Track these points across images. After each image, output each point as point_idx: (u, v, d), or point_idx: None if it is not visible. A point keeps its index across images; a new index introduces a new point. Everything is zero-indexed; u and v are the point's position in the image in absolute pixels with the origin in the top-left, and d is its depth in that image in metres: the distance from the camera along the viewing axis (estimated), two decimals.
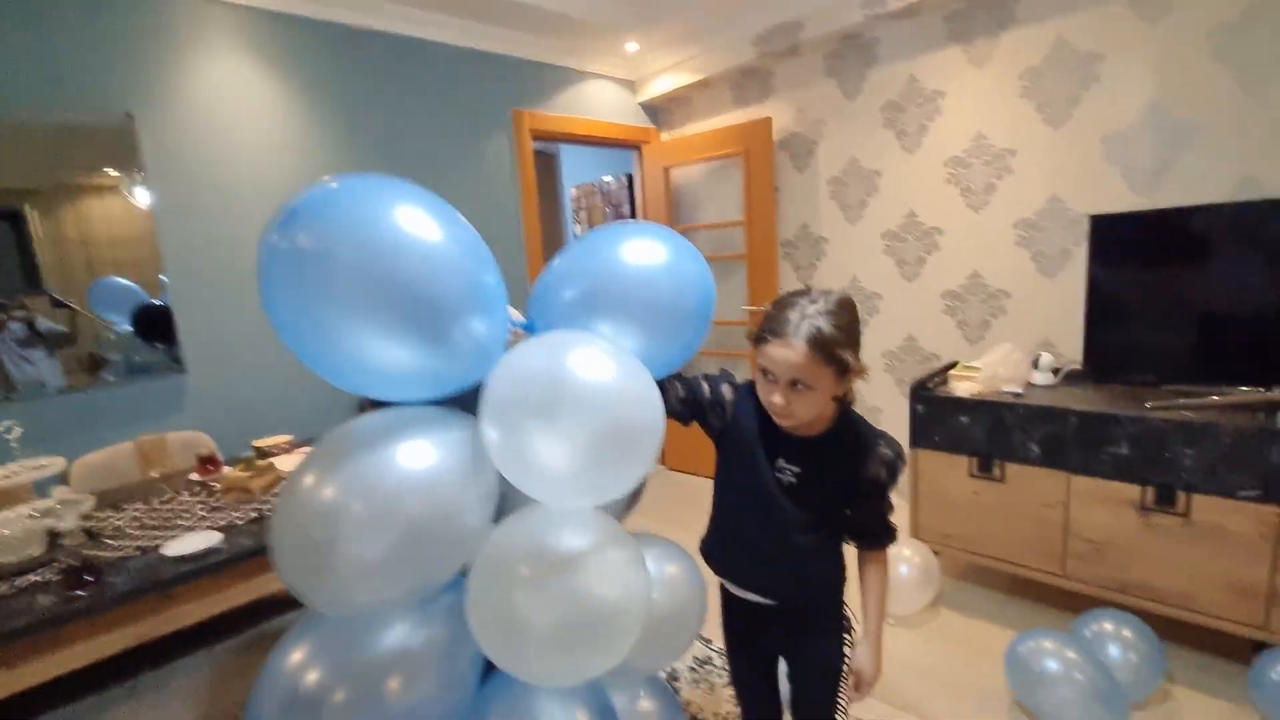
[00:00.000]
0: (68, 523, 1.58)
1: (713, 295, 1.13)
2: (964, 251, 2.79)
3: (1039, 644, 1.78)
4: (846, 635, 1.21)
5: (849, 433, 1.11)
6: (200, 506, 1.80)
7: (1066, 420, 2.06)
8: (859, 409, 1.16)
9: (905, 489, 2.52)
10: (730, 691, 1.41)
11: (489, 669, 1.06)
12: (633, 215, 4.61)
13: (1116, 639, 1.82)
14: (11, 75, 1.98)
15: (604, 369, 0.89)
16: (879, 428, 1.14)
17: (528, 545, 0.92)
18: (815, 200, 3.26)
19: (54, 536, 1.56)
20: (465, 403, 0.95)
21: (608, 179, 5.01)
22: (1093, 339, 2.19)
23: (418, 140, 2.85)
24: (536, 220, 3.34)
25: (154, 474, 1.85)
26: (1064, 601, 2.24)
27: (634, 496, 1.27)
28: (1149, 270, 2.09)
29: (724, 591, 1.28)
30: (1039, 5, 2.44)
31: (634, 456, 0.89)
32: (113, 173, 2.18)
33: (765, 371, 1.03)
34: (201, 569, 1.47)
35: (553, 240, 5.22)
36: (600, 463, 0.87)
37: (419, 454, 0.87)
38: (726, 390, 1.17)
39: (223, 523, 1.67)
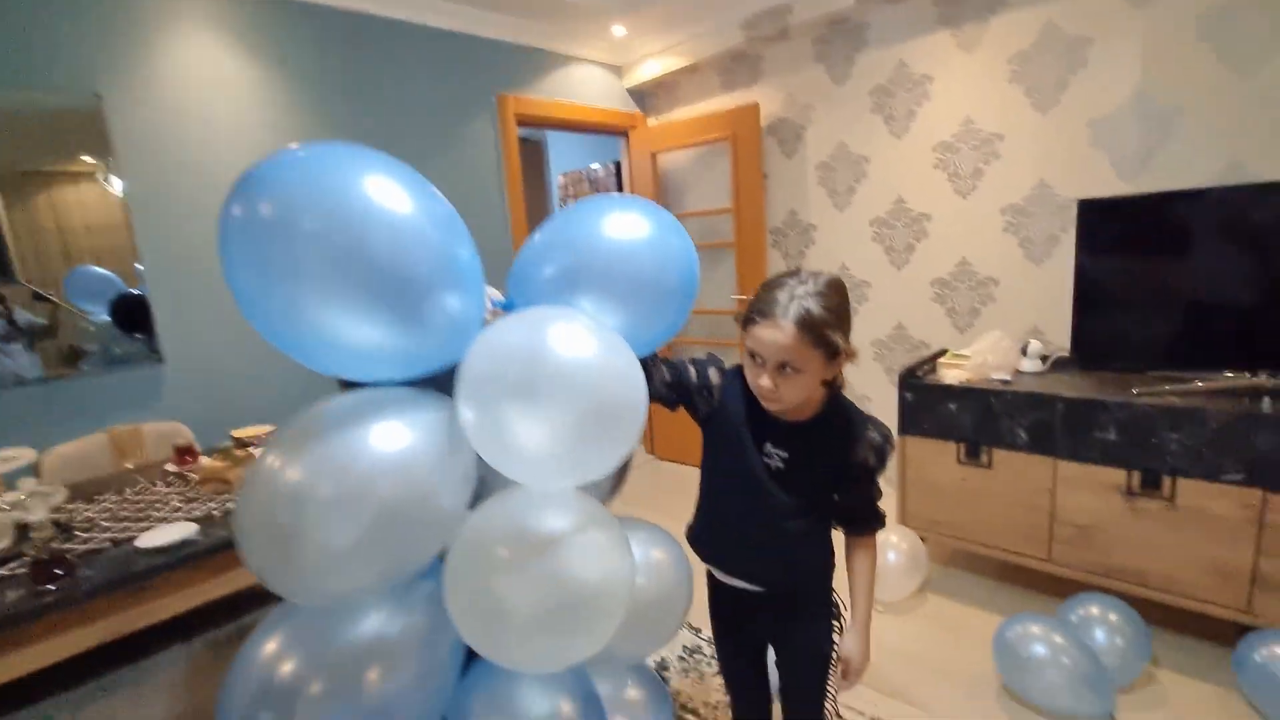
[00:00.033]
0: (37, 515, 1.53)
1: (696, 271, 1.11)
2: (952, 238, 2.78)
3: (1026, 629, 1.78)
4: (835, 622, 1.20)
5: (838, 417, 1.09)
6: (176, 498, 1.75)
7: (1054, 407, 2.06)
8: (848, 397, 1.14)
9: (893, 476, 2.52)
10: (720, 680, 1.39)
11: (471, 657, 1.04)
12: None
13: (1103, 623, 1.83)
14: None
15: (585, 345, 0.87)
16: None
17: (507, 528, 0.89)
18: (804, 186, 3.24)
19: (22, 529, 1.51)
20: (442, 384, 0.92)
21: (595, 166, 4.96)
22: (1080, 326, 2.19)
23: (399, 124, 2.79)
24: (523, 208, 3.29)
25: (128, 465, 1.80)
26: (1051, 586, 2.25)
27: (618, 479, 1.25)
28: (1136, 256, 2.09)
29: (711, 579, 1.26)
30: None
31: (616, 435, 0.87)
32: (88, 159, 2.12)
33: (753, 354, 1.01)
34: (176, 561, 1.43)
35: None
36: (581, 442, 0.84)
37: (392, 435, 0.84)
38: (714, 374, 1.15)
39: (198, 514, 1.62)
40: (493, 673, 1.03)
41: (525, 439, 0.83)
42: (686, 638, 2.16)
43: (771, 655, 1.28)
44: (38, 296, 2.06)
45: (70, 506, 1.70)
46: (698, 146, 3.58)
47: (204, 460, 1.91)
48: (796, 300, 0.95)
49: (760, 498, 1.09)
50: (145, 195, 2.22)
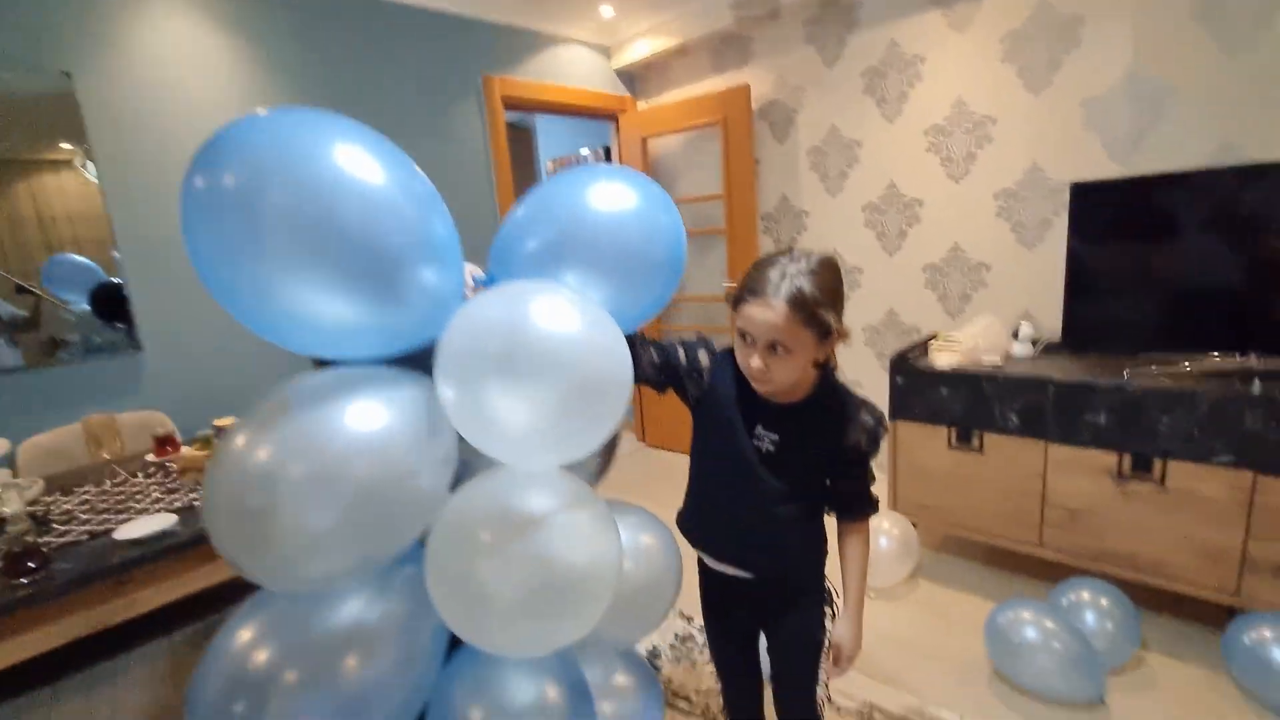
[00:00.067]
0: (11, 507, 1.49)
1: (683, 241, 1.08)
2: (944, 223, 2.76)
3: (1018, 614, 1.78)
4: (827, 608, 1.18)
5: (830, 399, 1.07)
6: (156, 488, 1.72)
7: (1045, 390, 2.05)
8: (840, 379, 1.12)
9: (884, 461, 2.51)
10: (711, 668, 1.38)
11: (454, 643, 1.02)
12: None
13: (1093, 607, 1.83)
14: None
15: (568, 319, 0.84)
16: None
17: (490, 509, 0.87)
18: (795, 171, 3.21)
19: None
20: (422, 363, 0.89)
21: (585, 152, 4.89)
22: (1072, 309, 2.18)
23: (381, 107, 2.73)
24: (512, 194, 3.24)
25: (104, 455, 1.76)
26: (1041, 571, 2.25)
27: (605, 461, 1.22)
28: (1129, 238, 2.07)
29: (702, 565, 1.24)
30: None
31: (601, 411, 0.84)
32: (67, 146, 2.07)
33: (744, 334, 0.98)
34: (155, 553, 1.41)
35: None
36: (565, 419, 0.82)
37: (367, 413, 0.80)
38: (703, 356, 1.12)
39: (179, 505, 1.59)
40: (477, 658, 1.01)
41: (507, 416, 0.80)
42: (678, 625, 2.15)
43: (763, 641, 1.27)
44: (20, 289, 2.02)
45: (48, 499, 1.67)
46: (688, 131, 3.53)
47: (185, 450, 1.87)
48: (788, 278, 0.93)
49: (751, 482, 1.07)
50: (120, 179, 2.16)
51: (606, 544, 0.91)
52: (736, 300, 0.98)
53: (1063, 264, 2.18)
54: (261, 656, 0.81)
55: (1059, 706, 1.70)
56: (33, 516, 1.53)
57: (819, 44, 2.98)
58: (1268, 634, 1.65)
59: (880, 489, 1.15)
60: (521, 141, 5.17)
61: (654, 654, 2.03)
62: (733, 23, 3.09)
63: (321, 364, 0.89)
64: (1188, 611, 2.00)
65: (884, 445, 1.11)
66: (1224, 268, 1.93)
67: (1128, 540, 1.97)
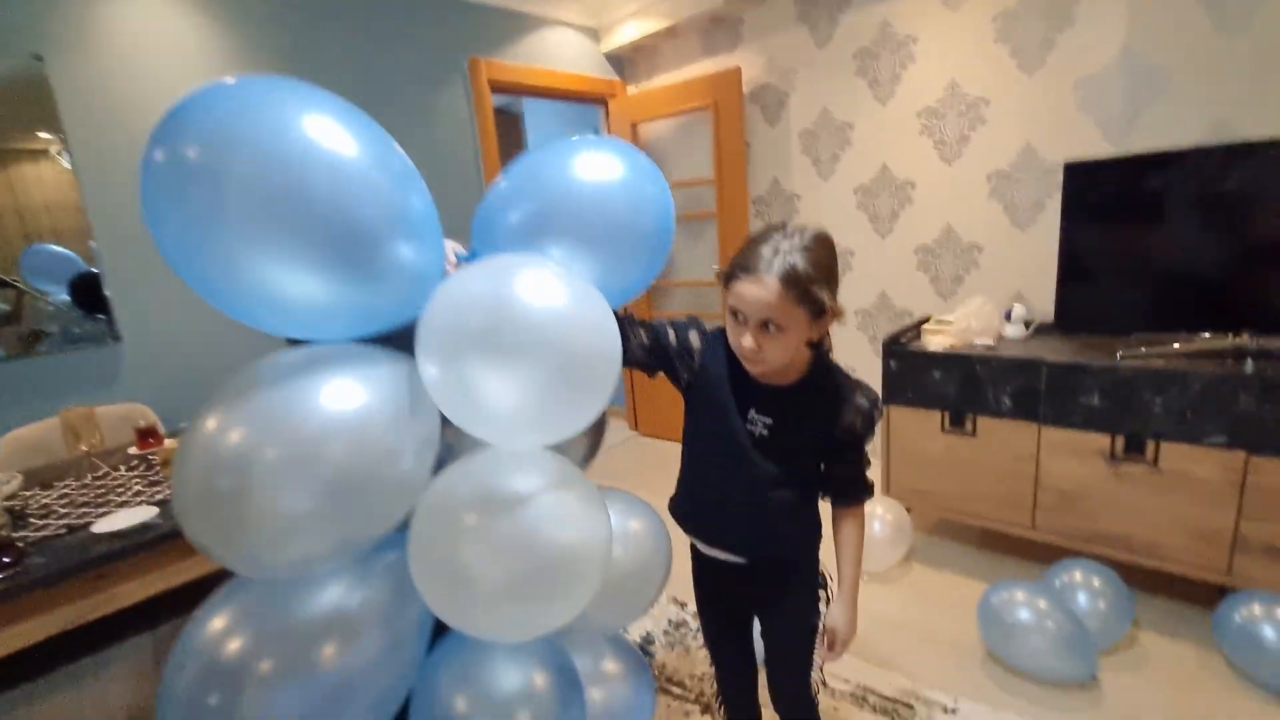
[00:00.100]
0: None
1: (671, 213, 1.05)
2: (937, 205, 2.74)
3: (1011, 594, 1.78)
4: (821, 592, 1.17)
5: (825, 381, 1.05)
6: (138, 481, 1.68)
7: (1038, 372, 2.04)
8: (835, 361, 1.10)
9: (877, 446, 2.50)
10: (705, 653, 1.37)
11: (439, 629, 1.00)
12: None
13: (1086, 588, 1.84)
14: None
15: (553, 293, 0.81)
16: None
17: (474, 490, 0.84)
18: (787, 154, 3.17)
19: None
20: (403, 344, 0.86)
21: (574, 139, 4.83)
22: (1065, 290, 2.16)
23: (365, 90, 2.67)
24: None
25: (83, 448, 1.72)
26: (1034, 553, 2.26)
27: (593, 444, 1.20)
28: (1122, 217, 2.06)
29: (694, 551, 1.22)
30: None
31: (589, 388, 0.82)
32: (44, 135, 2.01)
33: (735, 312, 0.95)
34: (135, 546, 1.37)
35: None
36: (552, 397, 0.79)
37: (344, 392, 0.77)
38: (694, 337, 1.09)
39: (160, 497, 1.56)
40: (462, 645, 0.99)
41: (492, 394, 0.78)
42: (672, 611, 2.15)
43: (757, 626, 1.25)
44: (2, 283, 1.98)
45: (27, 493, 1.63)
46: (679, 115, 3.49)
47: (168, 442, 1.84)
48: (781, 255, 0.90)
49: (744, 466, 1.05)
50: (94, 166, 2.10)
51: (595, 524, 0.88)
52: (728, 277, 0.95)
53: (1055, 245, 2.17)
54: (236, 645, 0.78)
55: (1051, 687, 1.70)
56: (9, 511, 1.50)
57: (810, 24, 2.94)
58: (1258, 611, 1.66)
59: (874, 473, 1.14)
60: (510, 128, 5.10)
61: (647, 640, 2.02)
62: (723, 3, 3.04)
63: (295, 344, 0.86)
64: (1179, 591, 2.01)
65: (878, 429, 1.10)
66: (1217, 247, 1.91)
67: (1120, 521, 1.97)
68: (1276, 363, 1.77)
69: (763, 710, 1.33)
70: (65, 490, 1.65)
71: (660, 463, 3.48)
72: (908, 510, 2.37)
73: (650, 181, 1.01)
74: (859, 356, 3.12)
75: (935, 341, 2.29)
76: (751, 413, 1.04)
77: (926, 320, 2.49)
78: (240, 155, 0.67)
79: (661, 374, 1.13)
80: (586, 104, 3.82)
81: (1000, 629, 1.76)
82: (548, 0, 3.23)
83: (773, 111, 3.16)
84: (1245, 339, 1.87)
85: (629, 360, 1.05)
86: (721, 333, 1.07)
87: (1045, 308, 2.40)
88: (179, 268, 0.72)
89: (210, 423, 0.73)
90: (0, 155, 1.96)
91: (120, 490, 1.64)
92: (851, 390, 1.05)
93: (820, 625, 1.14)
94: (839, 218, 3.05)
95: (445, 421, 0.91)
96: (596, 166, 0.98)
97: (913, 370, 2.32)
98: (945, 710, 1.65)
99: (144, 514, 1.45)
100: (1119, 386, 1.90)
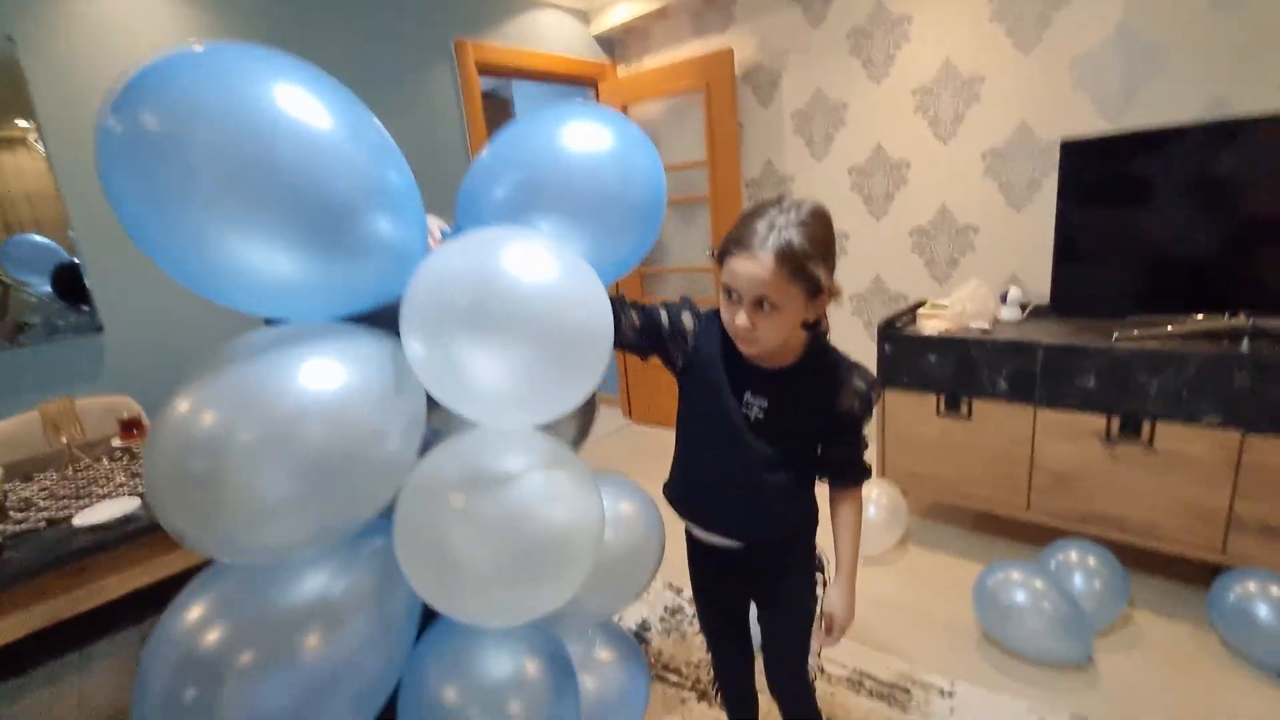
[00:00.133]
0: None
1: (663, 184, 1.01)
2: (932, 185, 2.71)
3: (1007, 576, 1.77)
4: (818, 576, 1.15)
5: (821, 362, 1.03)
6: (122, 473, 1.65)
7: (1034, 354, 2.03)
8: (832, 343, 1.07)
9: (873, 430, 2.49)
10: (702, 640, 1.35)
11: (427, 619, 0.97)
12: None
13: (1081, 568, 1.83)
14: None
15: (542, 266, 0.78)
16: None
17: (462, 470, 0.82)
18: (780, 136, 3.13)
19: None
20: (388, 323, 0.83)
21: (560, 106, 4.76)
22: (1061, 270, 2.14)
23: (347, 73, 2.55)
24: None
25: (63, 440, 1.68)
26: (1029, 535, 2.25)
27: (583, 425, 1.18)
28: (1118, 196, 2.03)
29: (689, 536, 1.20)
30: None
31: (580, 365, 0.79)
32: (22, 123, 1.96)
33: (729, 290, 0.93)
34: (117, 539, 1.35)
35: None
36: (542, 373, 0.77)
37: (322, 370, 0.74)
38: (687, 318, 1.06)
39: (143, 489, 1.52)
40: (452, 632, 0.96)
41: (479, 372, 0.75)
42: (668, 598, 2.13)
43: (753, 611, 1.24)
44: None
45: (6, 486, 1.60)
46: (670, 97, 3.43)
47: None
48: (777, 230, 0.87)
49: (739, 450, 1.03)
50: (70, 152, 2.04)
51: (587, 504, 0.86)
52: (722, 253, 0.92)
53: (1051, 226, 2.15)
54: (214, 636, 0.75)
55: (1047, 667, 1.70)
56: None
57: (804, 4, 2.89)
58: (1252, 590, 1.66)
59: (869, 457, 1.12)
60: (499, 112, 5.03)
61: (644, 627, 2.01)
62: None
63: (271, 322, 0.83)
64: (1174, 571, 2.01)
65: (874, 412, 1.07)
66: (1214, 226, 1.89)
67: (1116, 502, 1.97)
68: (1273, 342, 1.76)
69: (760, 696, 1.32)
70: (46, 483, 1.62)
71: (655, 451, 3.46)
72: (903, 493, 2.36)
73: (640, 150, 0.98)
74: (853, 341, 3.10)
75: (931, 325, 2.27)
76: (747, 395, 1.02)
77: (922, 304, 2.47)
78: (205, 125, 0.64)
79: (656, 358, 1.10)
80: (576, 86, 3.76)
81: (996, 611, 1.75)
82: None
83: (765, 92, 3.12)
84: (1241, 319, 1.85)
85: (620, 342, 1.02)
86: (716, 314, 1.04)
87: (1041, 290, 2.38)
88: (143, 242, 0.68)
89: (182, 404, 0.70)
90: None
91: (103, 482, 1.61)
92: (849, 372, 1.02)
93: (817, 610, 1.13)
94: (833, 200, 3.02)
95: (432, 405, 0.88)
96: (583, 136, 0.94)
97: (908, 354, 2.30)
98: (942, 694, 1.64)
99: (126, 505, 1.42)
100: (1115, 368, 1.89)
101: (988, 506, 2.25)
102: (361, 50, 2.63)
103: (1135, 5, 2.13)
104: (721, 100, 3.14)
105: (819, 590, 1.15)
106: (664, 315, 1.06)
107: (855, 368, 1.04)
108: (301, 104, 0.70)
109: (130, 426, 1.87)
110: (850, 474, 1.10)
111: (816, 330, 1.04)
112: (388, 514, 0.86)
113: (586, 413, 1.22)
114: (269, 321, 0.83)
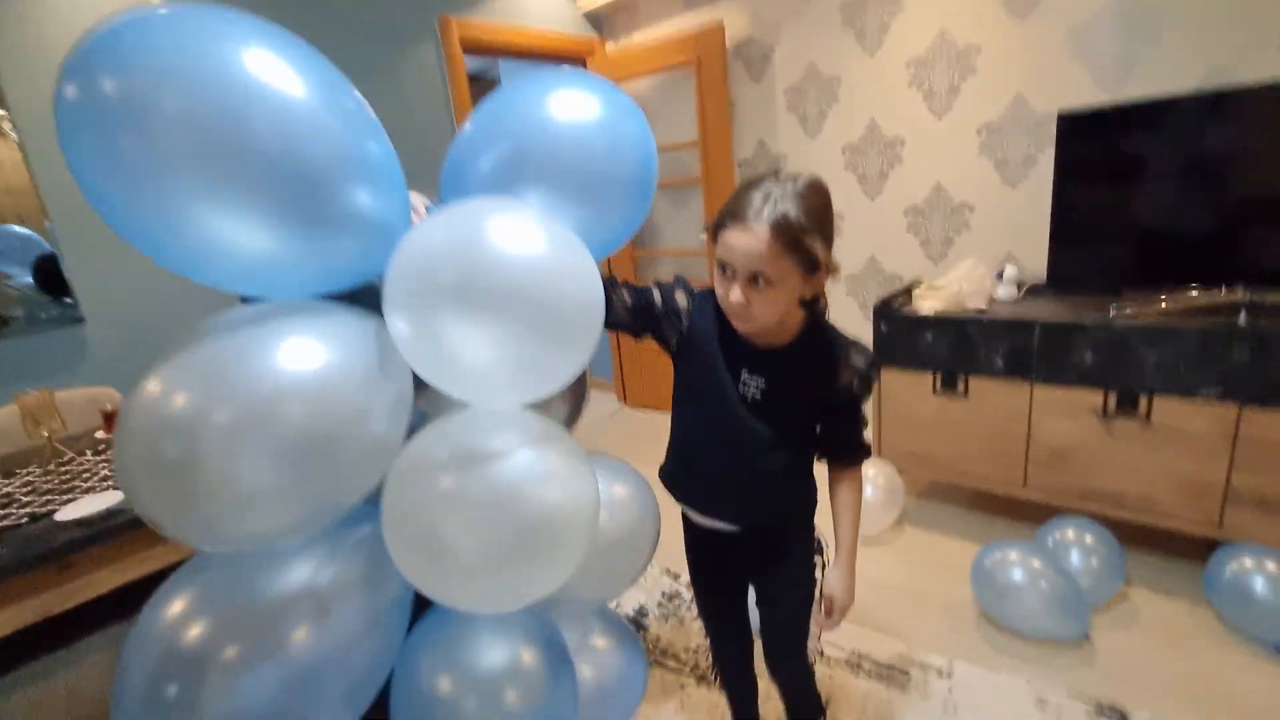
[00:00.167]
0: None
1: (654, 155, 0.98)
2: (927, 163, 2.67)
3: (1005, 555, 1.77)
4: (817, 558, 1.14)
5: (819, 340, 1.00)
6: (105, 466, 1.62)
7: (1030, 331, 2.01)
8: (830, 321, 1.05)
9: (870, 409, 2.47)
10: (700, 625, 1.34)
11: (419, 608, 0.95)
12: None
13: (1078, 546, 1.83)
14: None
15: (530, 239, 0.75)
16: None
17: (451, 452, 0.79)
18: (772, 113, 3.07)
19: None
20: (372, 302, 0.80)
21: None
22: (1057, 245, 2.12)
23: (328, 52, 2.53)
24: None
25: (44, 433, 1.65)
26: (1026, 513, 2.25)
27: (574, 406, 1.15)
28: (1115, 168, 2.00)
29: (686, 520, 1.18)
30: None
31: (571, 340, 0.76)
32: None
33: (723, 265, 0.90)
34: (101, 533, 1.32)
35: None
36: (531, 350, 0.74)
37: (303, 350, 0.71)
38: (681, 297, 1.03)
39: None
40: (445, 621, 0.94)
41: (466, 350, 0.72)
42: (665, 584, 2.13)
43: (751, 595, 1.22)
44: None
45: None
46: (660, 74, 3.37)
47: None
48: (773, 201, 0.84)
49: (737, 431, 1.00)
50: (43, 141, 1.98)
51: (581, 485, 0.84)
52: (716, 227, 0.89)
53: (1047, 203, 2.12)
54: (197, 630, 0.73)
55: (1045, 645, 1.70)
56: None
57: None
58: (1248, 565, 1.66)
59: (867, 436, 1.10)
60: (486, 93, 4.93)
61: (641, 613, 2.01)
62: None
63: (247, 301, 0.80)
64: (1171, 547, 2.01)
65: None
66: (1213, 198, 1.87)
67: (1113, 478, 1.96)
68: (1270, 315, 1.75)
69: (759, 679, 1.31)
70: (29, 478, 1.59)
71: (651, 435, 3.44)
72: (900, 473, 2.35)
73: (629, 119, 0.94)
74: (849, 322, 3.08)
75: (927, 305, 2.24)
76: (743, 374, 0.99)
77: (917, 284, 2.44)
78: (170, 91, 0.60)
79: (650, 339, 1.07)
80: (564, 63, 3.68)
81: (994, 590, 1.75)
82: None
83: (757, 67, 3.06)
84: (1239, 293, 1.84)
85: (612, 322, 0.99)
86: (710, 293, 1.01)
87: (1037, 269, 2.35)
88: (110, 217, 0.65)
89: (153, 384, 0.67)
90: None
91: (86, 476, 1.57)
92: (847, 349, 1.00)
93: (817, 593, 1.11)
94: (827, 179, 2.89)
95: (419, 388, 0.85)
96: (570, 105, 0.90)
97: (904, 333, 2.28)
98: (940, 674, 1.64)
99: (110, 499, 1.39)
100: (1112, 343, 1.87)
101: (985, 485, 2.24)
102: (342, 30, 2.56)
103: None
104: (713, 75, 3.08)
105: (818, 573, 1.13)
106: (657, 294, 1.03)
107: (854, 345, 1.01)
108: (274, 69, 0.66)
109: (114, 418, 1.83)
110: (849, 454, 1.08)
111: (815, 308, 1.01)
112: (376, 500, 0.83)
113: (577, 392, 1.20)
114: (245, 300, 0.80)
